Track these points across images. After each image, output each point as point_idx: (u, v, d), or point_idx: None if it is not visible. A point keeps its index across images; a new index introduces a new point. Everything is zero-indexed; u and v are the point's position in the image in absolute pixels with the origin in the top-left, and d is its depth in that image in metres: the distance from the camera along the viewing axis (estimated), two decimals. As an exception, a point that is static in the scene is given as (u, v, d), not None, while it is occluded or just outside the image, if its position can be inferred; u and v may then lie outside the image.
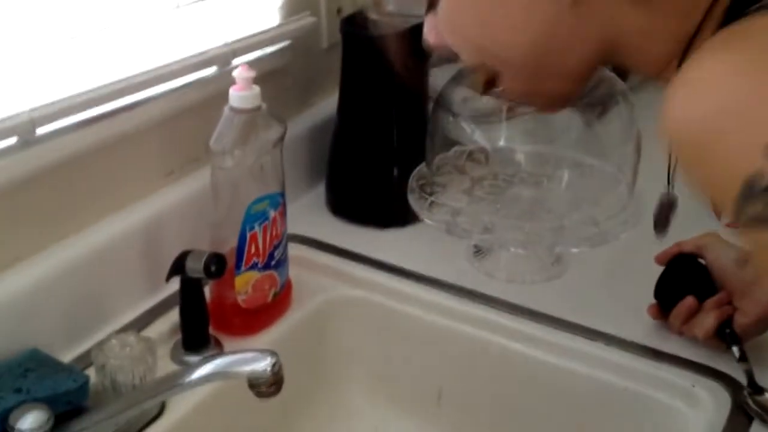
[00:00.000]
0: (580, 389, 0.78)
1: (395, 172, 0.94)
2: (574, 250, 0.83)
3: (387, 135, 0.94)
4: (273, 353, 0.58)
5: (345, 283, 0.88)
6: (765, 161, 0.35)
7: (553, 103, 0.55)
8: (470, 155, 0.89)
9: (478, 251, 0.90)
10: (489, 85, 0.54)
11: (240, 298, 0.79)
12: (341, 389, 0.88)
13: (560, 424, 0.80)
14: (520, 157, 0.88)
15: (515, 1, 0.48)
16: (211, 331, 0.79)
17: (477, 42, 0.51)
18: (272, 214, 0.78)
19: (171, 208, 0.82)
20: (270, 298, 0.81)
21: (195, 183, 0.84)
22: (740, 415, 0.70)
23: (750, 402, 0.71)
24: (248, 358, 0.58)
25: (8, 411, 0.62)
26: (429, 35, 0.54)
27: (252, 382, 0.58)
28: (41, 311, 0.71)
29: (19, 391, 0.65)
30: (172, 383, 0.59)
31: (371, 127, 0.95)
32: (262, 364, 0.57)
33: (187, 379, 0.58)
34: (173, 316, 0.79)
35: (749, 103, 0.36)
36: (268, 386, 0.58)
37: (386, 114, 0.93)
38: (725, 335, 0.74)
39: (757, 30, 0.39)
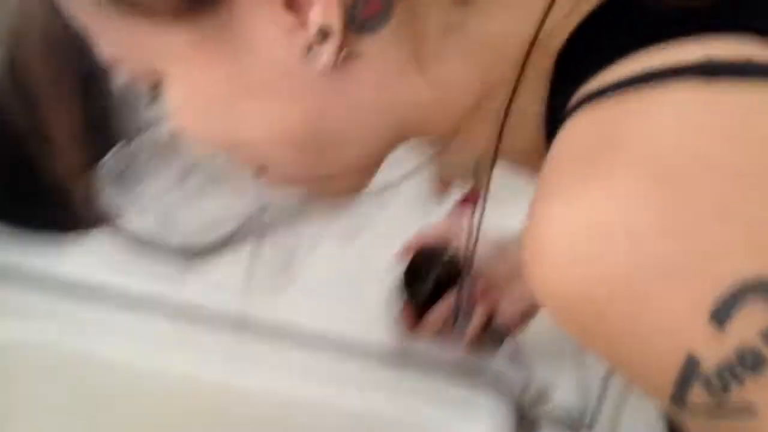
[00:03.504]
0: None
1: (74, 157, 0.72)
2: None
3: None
4: None
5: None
6: (708, 333, 0.26)
7: (343, 188, 0.41)
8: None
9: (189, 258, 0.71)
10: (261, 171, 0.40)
11: None
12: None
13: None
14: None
15: (266, 86, 0.35)
16: None
17: (231, 141, 0.37)
18: None
19: None
20: None
21: None
22: (523, 421, 0.58)
23: (532, 405, 0.59)
24: None
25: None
26: None
27: None
28: None
29: None
30: None
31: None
32: None
33: None
34: None
35: (677, 254, 0.26)
36: None
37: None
38: (492, 333, 0.63)
39: (631, 138, 0.27)
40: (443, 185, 0.77)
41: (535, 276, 0.28)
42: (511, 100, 0.34)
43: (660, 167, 0.26)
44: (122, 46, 0.35)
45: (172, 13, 0.32)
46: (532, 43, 0.33)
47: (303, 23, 0.32)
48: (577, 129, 0.29)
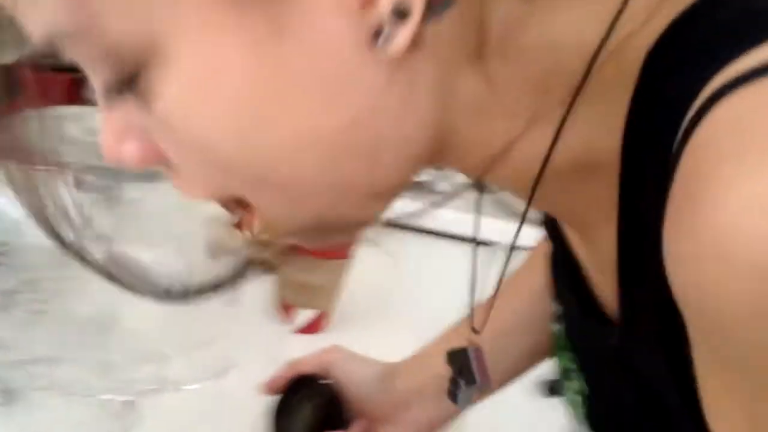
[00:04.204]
0: None
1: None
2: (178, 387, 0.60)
3: None
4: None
5: None
6: None
7: (347, 227, 0.34)
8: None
9: (7, 398, 0.60)
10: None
11: None
12: None
13: None
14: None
15: (306, 79, 0.27)
16: None
17: (248, 157, 0.29)
18: None
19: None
20: None
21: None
22: None
23: None
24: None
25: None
26: (125, 150, 0.31)
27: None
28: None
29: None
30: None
31: None
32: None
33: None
34: None
35: None
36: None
37: None
38: None
39: None
40: (285, 309, 0.72)
41: (738, 258, 0.23)
42: (568, 112, 0.29)
43: None
44: (101, 3, 0.26)
45: None
46: (597, 52, 0.28)
47: (371, 1, 0.26)
48: (744, 106, 0.25)
